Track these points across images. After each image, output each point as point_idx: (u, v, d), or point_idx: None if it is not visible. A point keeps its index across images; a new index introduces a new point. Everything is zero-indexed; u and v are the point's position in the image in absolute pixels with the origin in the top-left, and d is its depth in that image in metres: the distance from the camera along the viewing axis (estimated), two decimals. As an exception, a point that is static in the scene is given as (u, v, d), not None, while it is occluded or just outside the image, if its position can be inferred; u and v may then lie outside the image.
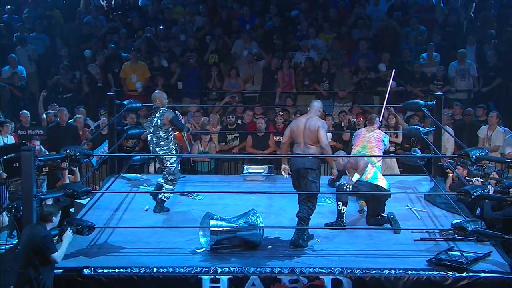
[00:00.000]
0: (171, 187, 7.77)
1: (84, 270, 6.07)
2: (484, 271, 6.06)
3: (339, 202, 7.17)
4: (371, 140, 8.03)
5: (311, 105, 6.97)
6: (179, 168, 7.93)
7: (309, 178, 6.64)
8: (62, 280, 5.97)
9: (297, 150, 6.78)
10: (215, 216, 6.61)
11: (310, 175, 6.63)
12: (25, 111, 10.94)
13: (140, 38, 13.17)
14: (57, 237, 5.98)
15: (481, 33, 13.09)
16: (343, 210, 7.14)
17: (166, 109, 7.72)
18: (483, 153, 6.69)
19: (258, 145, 10.68)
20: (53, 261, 5.68)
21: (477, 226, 6.27)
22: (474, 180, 7.34)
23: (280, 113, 11.11)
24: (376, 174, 7.37)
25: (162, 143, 7.70)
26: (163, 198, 7.75)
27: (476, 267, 6.10)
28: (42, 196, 6.28)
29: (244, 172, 9.28)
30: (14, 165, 7.40)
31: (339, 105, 11.90)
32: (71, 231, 6.05)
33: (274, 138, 10.74)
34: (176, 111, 8.05)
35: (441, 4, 13.89)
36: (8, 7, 14.13)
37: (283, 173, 6.93)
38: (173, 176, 7.75)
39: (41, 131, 10.68)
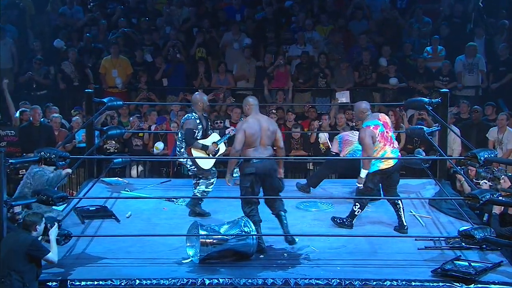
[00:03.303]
0: (206, 189, 7.85)
1: (59, 282, 6.03)
2: (494, 283, 6.06)
3: (356, 203, 7.29)
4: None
5: (252, 103, 7.03)
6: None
7: (277, 177, 7.03)
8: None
9: (256, 152, 6.90)
10: (204, 226, 6.60)
11: (276, 174, 7.02)
12: (-5, 110, 10.90)
13: (116, 31, 13.14)
14: (41, 237, 5.96)
15: (491, 24, 13.13)
16: (358, 212, 7.28)
17: (193, 115, 7.72)
18: (492, 155, 6.71)
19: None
20: (49, 262, 5.81)
21: (486, 234, 6.27)
22: (481, 182, 7.38)
23: (273, 111, 11.11)
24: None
25: (178, 143, 7.95)
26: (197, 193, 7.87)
27: (485, 278, 6.11)
28: (12, 203, 6.26)
29: (234, 175, 9.24)
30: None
31: (337, 103, 11.91)
32: (55, 226, 6.09)
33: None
34: (199, 125, 7.75)
35: None
36: (-27, -5, 14.09)
37: (228, 183, 7.03)
38: (199, 177, 7.85)
39: (12, 131, 10.64)
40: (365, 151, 7.21)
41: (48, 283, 6.02)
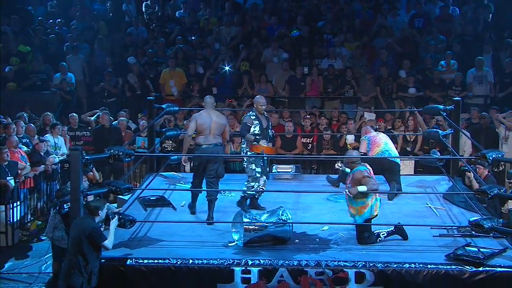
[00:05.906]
0: (252, 192, 7.52)
1: (127, 260, 6.11)
2: (500, 266, 5.95)
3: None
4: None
5: (207, 101, 7.43)
6: (259, 170, 7.49)
7: (221, 165, 7.35)
8: (106, 269, 6.03)
9: (206, 139, 7.22)
10: (247, 214, 6.61)
11: (221, 161, 7.37)
12: (74, 114, 11.15)
13: (173, 47, 13.23)
14: (103, 225, 6.02)
15: (498, 41, 12.88)
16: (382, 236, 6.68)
17: (250, 114, 7.56)
18: (499, 155, 6.58)
19: (286, 146, 10.66)
20: (105, 248, 5.81)
21: (494, 224, 6.17)
22: None
23: (307, 116, 11.07)
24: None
25: (243, 139, 7.79)
26: (244, 195, 7.61)
27: (492, 262, 6.00)
28: (88, 192, 6.36)
29: (273, 171, 9.26)
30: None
31: (362, 109, 11.80)
32: (116, 218, 6.11)
33: (302, 140, 10.73)
34: (254, 121, 7.47)
35: (458, 13, 13.70)
36: (59, 20, 14.41)
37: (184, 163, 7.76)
38: (252, 178, 7.53)
39: (87, 132, 10.86)
40: (367, 184, 6.36)
41: (115, 261, 6.10)
